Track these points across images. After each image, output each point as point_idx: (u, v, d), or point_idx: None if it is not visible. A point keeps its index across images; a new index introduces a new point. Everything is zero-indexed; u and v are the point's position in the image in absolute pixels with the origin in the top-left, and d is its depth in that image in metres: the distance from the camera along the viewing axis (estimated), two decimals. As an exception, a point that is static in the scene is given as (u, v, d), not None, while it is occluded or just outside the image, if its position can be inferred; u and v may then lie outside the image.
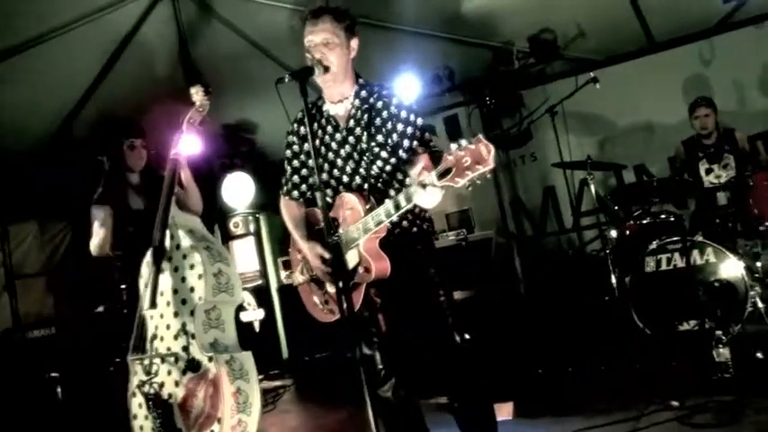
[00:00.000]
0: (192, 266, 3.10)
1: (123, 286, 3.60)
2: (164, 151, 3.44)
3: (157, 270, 3.11)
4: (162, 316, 3.14)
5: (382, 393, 2.71)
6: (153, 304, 3.08)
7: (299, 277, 2.93)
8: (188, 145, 3.44)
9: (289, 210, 2.96)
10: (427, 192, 2.27)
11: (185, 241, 3.16)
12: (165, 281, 3.15)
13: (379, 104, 2.68)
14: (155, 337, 3.15)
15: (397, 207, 2.41)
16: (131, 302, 3.42)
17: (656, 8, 5.66)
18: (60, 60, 5.41)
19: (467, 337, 2.83)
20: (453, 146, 2.16)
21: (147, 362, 3.11)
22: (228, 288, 3.14)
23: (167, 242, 3.18)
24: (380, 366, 2.72)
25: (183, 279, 3.12)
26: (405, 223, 2.71)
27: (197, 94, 3.37)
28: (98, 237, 3.67)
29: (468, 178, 2.13)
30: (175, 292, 3.12)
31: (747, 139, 5.19)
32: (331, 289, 2.73)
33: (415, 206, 2.60)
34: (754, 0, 5.38)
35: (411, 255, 2.69)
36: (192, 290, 3.08)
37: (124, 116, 4.79)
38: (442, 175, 2.19)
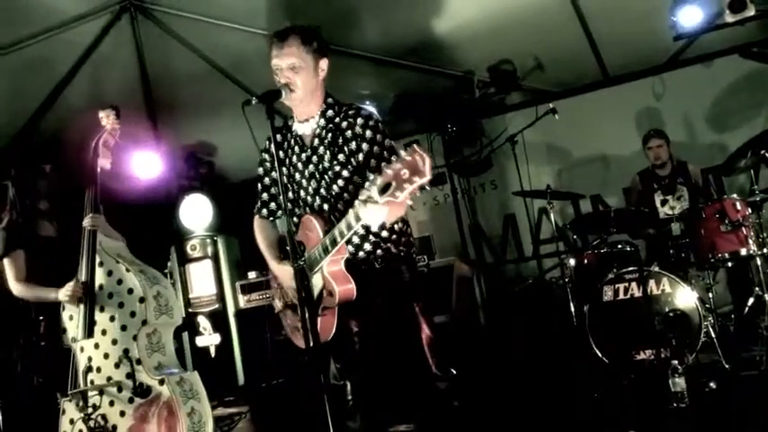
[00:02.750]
0: (130, 291, 3.07)
1: (41, 318, 3.48)
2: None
3: (92, 300, 3.05)
4: (97, 346, 3.07)
5: (350, 425, 2.65)
6: (90, 334, 3.01)
7: (277, 304, 2.89)
8: (141, 168, 3.35)
9: (261, 230, 2.93)
10: (369, 209, 2.22)
11: (118, 266, 3.12)
12: (99, 309, 3.08)
13: (344, 124, 2.67)
14: (89, 369, 3.07)
15: (349, 227, 2.38)
16: (50, 335, 3.34)
17: (611, 43, 5.85)
18: (11, 79, 5.26)
19: (453, 372, 2.79)
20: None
21: (79, 398, 3.00)
22: (168, 310, 3.13)
23: (98, 270, 3.11)
24: (350, 397, 2.66)
25: (121, 305, 3.07)
26: (367, 246, 2.66)
27: (107, 117, 3.31)
28: (24, 289, 3.48)
29: (408, 191, 2.07)
30: (112, 318, 3.07)
31: (700, 172, 5.36)
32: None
33: (393, 228, 2.58)
34: (704, 38, 5.59)
35: (388, 280, 2.64)
36: (132, 314, 3.04)
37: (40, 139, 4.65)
38: (383, 191, 2.12)
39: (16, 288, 3.46)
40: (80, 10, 5.06)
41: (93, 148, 3.29)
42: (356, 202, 2.29)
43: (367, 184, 2.18)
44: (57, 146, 3.89)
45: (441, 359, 2.71)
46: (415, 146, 2.08)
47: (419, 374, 2.66)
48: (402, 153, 2.08)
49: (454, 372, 2.88)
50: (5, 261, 3.48)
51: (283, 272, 2.72)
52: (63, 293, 3.14)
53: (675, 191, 5.17)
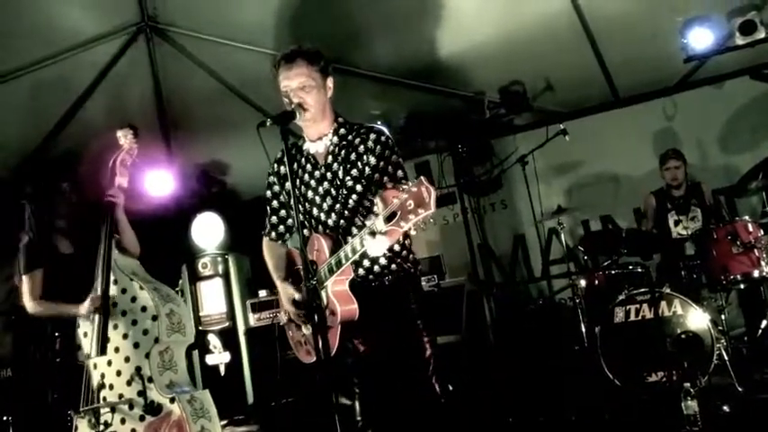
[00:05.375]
0: (143, 309, 3.09)
1: (57, 334, 3.48)
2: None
3: (106, 317, 3.07)
4: (110, 363, 3.08)
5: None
6: (103, 351, 3.03)
7: (282, 317, 2.91)
8: (154, 186, 3.38)
9: (269, 250, 2.96)
10: (376, 239, 2.27)
11: (132, 284, 3.14)
12: (113, 326, 3.10)
13: (357, 140, 2.72)
14: (102, 386, 3.08)
15: (354, 251, 2.42)
16: (64, 351, 3.35)
17: (621, 65, 5.87)
18: (29, 97, 5.35)
19: (450, 388, 2.79)
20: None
21: (91, 415, 3.01)
22: (181, 328, 3.15)
23: (112, 288, 3.13)
24: (359, 418, 2.66)
25: (134, 322, 3.08)
26: (383, 261, 2.69)
27: (125, 137, 3.34)
28: (40, 307, 3.50)
29: (412, 222, 2.13)
30: (125, 336, 3.08)
31: (711, 193, 5.34)
32: (306, 331, 2.72)
33: (404, 244, 2.62)
34: (714, 60, 5.61)
35: (396, 299, 2.66)
36: (145, 332, 3.05)
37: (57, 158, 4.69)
38: (388, 219, 2.18)
39: (31, 306, 3.48)
40: (98, 31, 5.15)
41: (111, 167, 3.32)
42: (363, 230, 2.34)
43: (374, 213, 2.21)
44: (71, 164, 3.92)
45: (442, 378, 2.71)
46: (422, 178, 2.14)
47: (425, 395, 2.65)
48: (409, 184, 2.14)
49: (450, 388, 2.88)
50: (24, 279, 3.50)
51: (285, 290, 2.76)
52: (83, 308, 3.16)
53: (689, 211, 5.16)
